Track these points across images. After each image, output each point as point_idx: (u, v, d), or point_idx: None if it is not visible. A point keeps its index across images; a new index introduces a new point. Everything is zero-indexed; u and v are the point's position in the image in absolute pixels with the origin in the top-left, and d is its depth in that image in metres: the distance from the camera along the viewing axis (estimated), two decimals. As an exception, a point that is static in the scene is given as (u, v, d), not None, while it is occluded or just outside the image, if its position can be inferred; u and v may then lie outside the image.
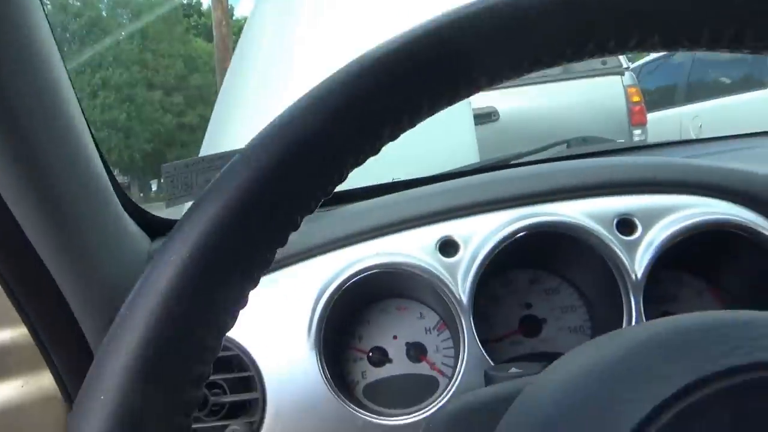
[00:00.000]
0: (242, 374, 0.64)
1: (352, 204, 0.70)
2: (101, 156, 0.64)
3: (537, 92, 4.43)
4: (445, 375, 0.71)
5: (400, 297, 0.75)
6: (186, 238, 0.26)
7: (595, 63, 4.51)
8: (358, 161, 0.29)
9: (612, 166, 0.67)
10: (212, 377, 0.66)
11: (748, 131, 1.04)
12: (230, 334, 0.60)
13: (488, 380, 0.54)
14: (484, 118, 4.37)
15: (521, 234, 0.62)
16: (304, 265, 0.65)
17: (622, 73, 4.44)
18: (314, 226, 0.68)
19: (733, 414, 0.23)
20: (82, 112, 0.61)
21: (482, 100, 4.39)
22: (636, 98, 4.39)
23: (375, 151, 0.29)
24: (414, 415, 0.61)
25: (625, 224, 0.63)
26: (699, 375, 0.24)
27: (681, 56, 5.77)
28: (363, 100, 0.27)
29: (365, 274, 0.63)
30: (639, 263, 0.61)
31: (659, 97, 5.80)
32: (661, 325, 0.28)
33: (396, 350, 0.73)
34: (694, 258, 0.70)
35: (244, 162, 0.27)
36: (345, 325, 0.73)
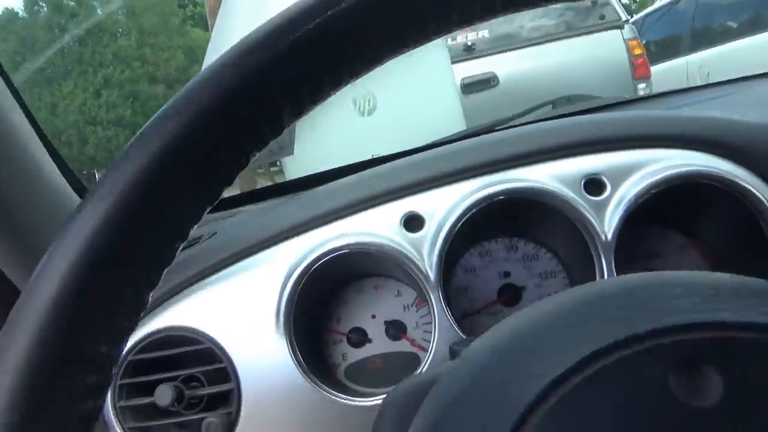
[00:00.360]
0: (216, 366, 0.63)
1: (316, 188, 0.68)
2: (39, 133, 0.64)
3: (536, 53, 4.35)
4: (426, 350, 0.70)
5: (377, 276, 0.74)
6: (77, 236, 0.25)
7: (594, 18, 4.41)
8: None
9: (578, 125, 0.64)
10: (188, 371, 0.66)
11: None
12: (200, 326, 0.60)
13: (452, 354, 0.53)
14: (483, 84, 4.31)
15: (485, 203, 0.61)
16: (269, 252, 0.64)
17: (621, 27, 4.33)
18: (278, 212, 0.67)
19: (627, 383, 0.22)
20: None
21: (480, 66, 4.33)
22: (638, 51, 4.30)
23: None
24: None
25: (594, 184, 0.61)
26: (594, 347, 0.22)
27: (684, 3, 5.61)
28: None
29: (330, 256, 0.62)
30: (608, 223, 0.59)
31: (664, 48, 5.66)
32: (566, 296, 0.26)
33: (375, 329, 0.72)
34: (674, 213, 0.68)
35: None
36: (322, 307, 0.73)
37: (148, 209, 0.25)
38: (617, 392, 0.21)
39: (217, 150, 0.26)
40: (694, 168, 0.58)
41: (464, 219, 0.61)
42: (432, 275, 0.61)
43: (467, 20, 0.27)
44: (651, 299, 0.24)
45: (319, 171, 1.03)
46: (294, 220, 0.65)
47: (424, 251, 0.61)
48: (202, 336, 0.63)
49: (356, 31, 0.26)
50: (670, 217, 0.69)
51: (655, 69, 4.52)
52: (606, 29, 4.21)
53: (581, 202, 0.59)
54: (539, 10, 4.51)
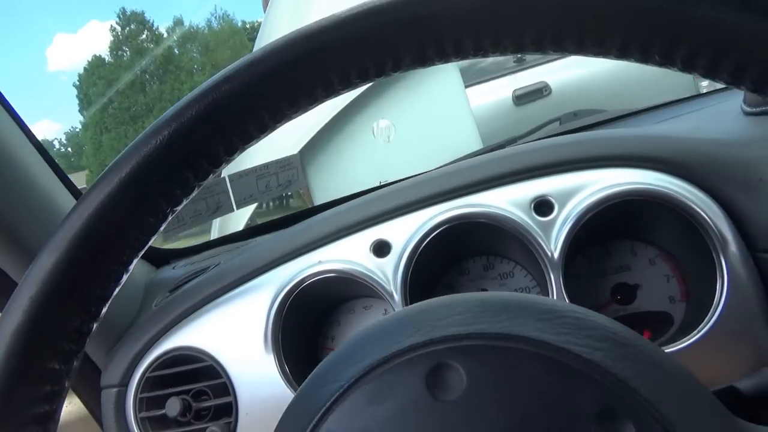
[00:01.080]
0: (217, 381, 0.72)
1: (296, 224, 0.77)
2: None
3: (588, 59, 4.26)
4: (410, 365, 0.76)
5: (364, 297, 0.81)
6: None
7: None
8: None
9: (529, 151, 0.69)
10: (196, 385, 0.76)
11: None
12: (204, 346, 0.69)
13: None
14: (535, 94, 4.28)
15: (442, 227, 0.66)
16: (259, 280, 0.73)
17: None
18: (267, 245, 0.76)
19: (392, 388, 0.28)
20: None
21: (531, 76, 4.30)
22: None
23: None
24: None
25: (543, 205, 0.65)
26: (376, 357, 0.29)
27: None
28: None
29: (309, 281, 0.70)
30: (554, 242, 0.63)
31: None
32: (384, 317, 0.33)
33: (365, 346, 0.78)
34: (637, 226, 0.71)
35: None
36: (316, 327, 0.80)
37: (85, 258, 0.34)
38: (385, 396, 0.28)
39: (136, 208, 0.34)
40: (632, 186, 0.62)
41: (425, 242, 0.67)
42: (397, 296, 0.67)
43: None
44: (434, 318, 0.30)
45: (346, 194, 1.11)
46: (279, 251, 0.73)
47: (389, 274, 0.68)
48: (205, 355, 0.72)
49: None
50: (638, 231, 0.72)
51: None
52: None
53: (529, 222, 0.64)
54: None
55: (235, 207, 0.97)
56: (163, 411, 0.72)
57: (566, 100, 4.03)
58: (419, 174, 0.78)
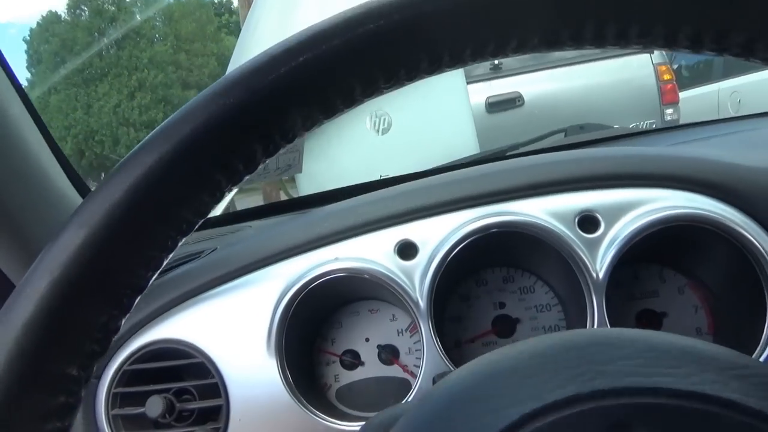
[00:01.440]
0: (207, 381, 0.65)
1: (313, 209, 0.70)
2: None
3: (562, 74, 4.32)
4: (417, 377, 0.71)
5: (372, 299, 0.74)
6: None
7: (624, 42, 4.35)
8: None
9: (575, 161, 0.64)
10: (181, 384, 0.68)
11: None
12: (194, 340, 0.61)
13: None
14: (508, 103, 4.29)
15: (478, 235, 0.61)
16: (265, 271, 0.66)
17: (651, 51, 4.28)
18: (276, 232, 0.68)
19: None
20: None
21: (506, 85, 4.31)
22: (667, 76, 4.24)
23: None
24: (376, 419, 0.61)
25: (588, 221, 0.61)
26: (532, 407, 0.23)
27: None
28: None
29: (323, 279, 0.63)
30: (600, 261, 0.59)
31: (695, 73, 5.59)
32: (526, 346, 0.27)
33: (368, 353, 0.72)
34: (672, 252, 0.68)
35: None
36: (316, 328, 0.74)
37: (122, 238, 0.27)
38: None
39: (190, 182, 0.27)
40: (689, 210, 0.58)
41: (457, 249, 0.61)
42: (422, 304, 0.61)
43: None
44: (598, 359, 0.24)
45: (329, 188, 1.04)
46: (291, 241, 0.66)
47: (416, 279, 0.62)
48: (195, 350, 0.64)
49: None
50: (668, 256, 0.69)
51: (685, 95, 4.46)
52: (635, 53, 4.16)
53: (574, 238, 0.60)
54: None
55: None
56: (140, 409, 0.64)
57: (537, 112, 4.07)
58: (445, 171, 0.72)
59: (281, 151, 0.32)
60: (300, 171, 0.95)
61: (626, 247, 0.59)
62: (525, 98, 4.33)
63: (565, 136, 1.18)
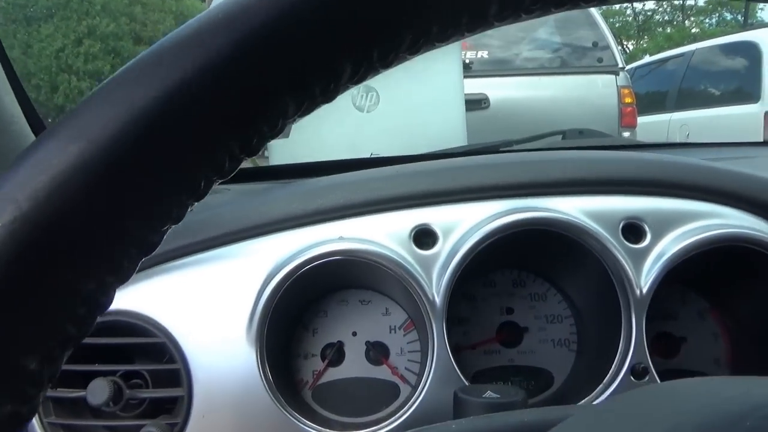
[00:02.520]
0: (167, 366, 0.53)
1: (316, 178, 0.59)
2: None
3: (529, 83, 4.35)
4: (408, 383, 0.62)
5: (364, 288, 0.65)
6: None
7: (591, 60, 4.44)
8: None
9: (620, 161, 0.57)
10: (133, 366, 0.56)
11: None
12: (156, 317, 0.50)
13: (457, 403, 0.45)
14: (474, 104, 4.27)
15: (512, 230, 0.53)
16: (253, 243, 0.55)
17: (617, 73, 4.37)
18: (269, 198, 0.58)
19: None
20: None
21: (473, 86, 4.29)
22: (628, 99, 4.34)
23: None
24: (367, 430, 0.52)
25: (632, 230, 0.54)
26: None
27: (674, 63, 5.74)
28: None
29: (323, 261, 0.53)
30: (645, 277, 0.52)
31: (649, 102, 5.77)
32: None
33: (354, 349, 0.63)
34: (701, 274, 0.62)
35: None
36: (297, 314, 0.64)
37: (146, 162, 0.17)
38: None
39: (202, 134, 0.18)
40: (746, 231, 0.52)
41: (485, 244, 0.53)
42: (438, 301, 0.53)
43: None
44: None
45: (307, 161, 0.94)
46: (286, 211, 0.56)
47: (434, 273, 0.53)
48: (156, 327, 0.53)
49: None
50: (697, 277, 0.63)
51: (638, 120, 4.58)
52: (601, 72, 4.23)
53: (618, 246, 0.52)
54: (538, 42, 4.54)
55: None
56: (80, 393, 0.52)
57: (501, 116, 4.07)
58: (439, 158, 0.63)
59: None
60: (287, 135, 0.84)
61: (674, 264, 0.52)
62: (491, 101, 4.33)
63: (563, 138, 1.12)
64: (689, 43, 6.14)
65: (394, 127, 1.32)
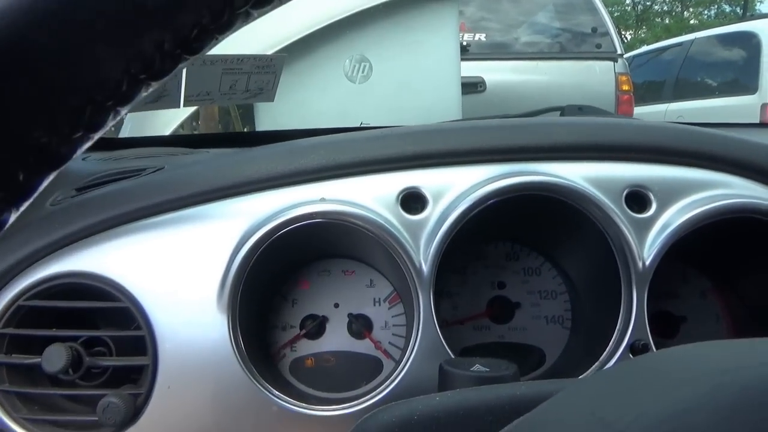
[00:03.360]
0: (132, 333, 0.50)
1: (296, 139, 0.55)
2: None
3: (527, 68, 4.31)
4: (392, 358, 0.59)
5: (348, 258, 0.61)
6: None
7: (589, 46, 4.40)
8: None
9: (625, 126, 0.53)
10: (97, 333, 0.52)
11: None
12: (120, 280, 0.46)
13: (443, 377, 0.41)
14: (470, 87, 4.22)
15: (507, 195, 0.49)
16: (228, 204, 0.51)
17: (615, 60, 4.33)
18: (244, 157, 0.54)
19: None
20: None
21: (470, 69, 4.24)
22: (626, 87, 4.30)
23: None
24: (345, 406, 0.49)
25: (636, 198, 0.50)
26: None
27: (671, 54, 5.70)
28: None
29: (302, 223, 0.49)
30: (648, 248, 0.48)
31: (645, 92, 5.73)
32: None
33: (336, 321, 0.60)
34: (704, 250, 0.58)
35: None
36: (275, 284, 0.60)
37: None
38: None
39: None
40: (761, 202, 0.48)
41: (477, 209, 0.49)
42: (426, 270, 0.49)
43: None
44: None
45: (295, 128, 0.90)
46: (263, 170, 0.51)
47: (422, 239, 0.49)
48: (119, 291, 0.49)
49: None
50: (698, 254, 0.60)
51: (635, 110, 4.55)
52: (599, 59, 4.19)
53: (621, 216, 0.49)
54: (537, 26, 4.51)
55: (181, 102, 0.72)
56: (35, 359, 0.48)
57: (497, 101, 4.03)
58: (462, 121, 0.59)
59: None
60: (272, 99, 0.79)
61: (679, 236, 0.48)
62: (487, 84, 4.28)
63: (561, 115, 1.08)
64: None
65: (387, 99, 1.27)
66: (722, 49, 5.21)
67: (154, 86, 0.17)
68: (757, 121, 4.30)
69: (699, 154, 0.51)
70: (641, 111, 5.25)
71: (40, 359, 0.48)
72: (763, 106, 4.41)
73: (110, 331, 0.51)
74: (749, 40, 4.73)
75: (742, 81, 4.68)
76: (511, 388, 0.31)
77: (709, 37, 5.29)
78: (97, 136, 0.17)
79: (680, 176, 0.51)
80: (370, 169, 0.52)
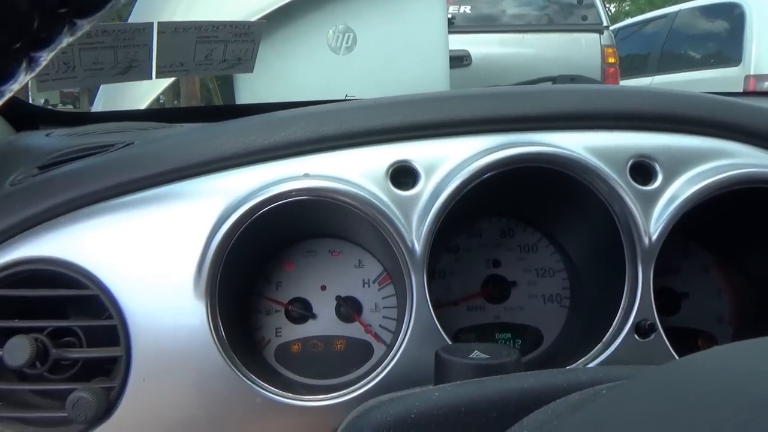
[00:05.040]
0: (103, 323, 0.46)
1: (275, 111, 0.51)
2: None
3: (512, 40, 4.27)
4: (382, 341, 0.56)
5: (335, 237, 0.58)
6: None
7: (576, 18, 4.36)
8: None
9: (628, 93, 0.50)
10: (64, 323, 0.49)
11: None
12: (87, 265, 0.42)
13: (439, 365, 0.38)
14: (455, 61, 4.16)
15: (504, 168, 0.46)
16: (204, 181, 0.47)
17: (601, 32, 4.29)
18: (221, 131, 0.50)
19: None
20: None
21: (455, 42, 4.18)
22: (612, 59, 4.27)
23: None
24: (335, 395, 0.46)
25: (642, 169, 0.47)
26: None
27: (657, 25, 5.67)
28: None
29: (284, 201, 0.46)
30: (655, 222, 0.46)
31: (630, 65, 5.70)
32: None
33: (323, 304, 0.56)
34: (708, 223, 0.56)
35: None
36: (257, 266, 0.56)
37: None
38: None
39: None
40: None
41: (473, 183, 0.46)
42: (418, 249, 0.45)
43: None
44: None
45: (277, 102, 0.85)
46: (241, 144, 0.47)
47: (414, 217, 0.46)
48: (88, 278, 0.45)
49: None
50: (700, 227, 0.57)
51: (620, 84, 4.52)
52: (585, 31, 4.15)
53: (626, 188, 0.46)
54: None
55: (153, 73, 0.68)
56: (-3, 353, 0.44)
57: (483, 75, 3.99)
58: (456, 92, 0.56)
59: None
60: (251, 70, 0.74)
61: (687, 209, 0.46)
62: (473, 58, 4.24)
63: (553, 84, 1.04)
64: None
65: (372, 70, 1.22)
66: (706, 21, 5.19)
67: (83, 25, 0.13)
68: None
69: (706, 121, 0.48)
70: (626, 83, 5.22)
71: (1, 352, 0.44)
72: (746, 77, 4.40)
73: (80, 320, 0.48)
74: (732, 11, 4.71)
75: (726, 53, 4.67)
76: (516, 380, 0.28)
77: (693, 9, 5.26)
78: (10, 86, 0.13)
79: (687, 145, 0.48)
80: (357, 142, 0.48)
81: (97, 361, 0.47)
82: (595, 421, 0.16)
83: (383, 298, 0.56)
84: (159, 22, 0.64)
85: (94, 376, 0.47)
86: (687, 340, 0.57)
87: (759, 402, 0.14)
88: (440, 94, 0.52)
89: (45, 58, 0.13)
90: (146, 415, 0.44)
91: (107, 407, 0.44)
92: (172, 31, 0.65)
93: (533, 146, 0.46)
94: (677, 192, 0.46)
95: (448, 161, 0.47)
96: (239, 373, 0.45)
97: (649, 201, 0.46)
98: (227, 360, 0.45)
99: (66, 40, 0.13)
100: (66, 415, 0.43)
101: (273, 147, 0.47)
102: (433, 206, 0.45)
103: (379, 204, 0.45)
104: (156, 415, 0.44)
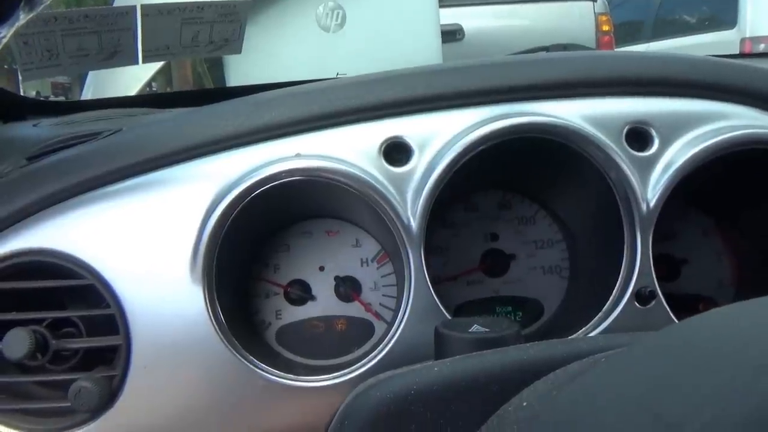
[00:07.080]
0: (102, 312, 0.46)
1: (265, 92, 0.50)
2: None
3: (505, 12, 4.21)
4: (383, 320, 0.56)
5: (331, 217, 0.57)
6: None
7: (569, -15, 4.29)
8: None
9: (621, 58, 0.49)
10: (63, 313, 0.48)
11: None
12: (81, 255, 0.41)
13: (439, 340, 0.38)
14: (448, 36, 4.11)
15: (499, 139, 0.45)
16: (192, 166, 0.47)
17: (594, 0, 4.23)
18: (211, 113, 0.49)
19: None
20: None
21: (447, 16, 4.13)
22: (606, 27, 4.22)
23: None
24: (337, 375, 0.46)
25: (638, 136, 0.46)
26: None
27: (650, -8, 5.60)
28: None
29: (278, 182, 0.45)
30: (652, 189, 0.45)
31: (625, 32, 5.64)
32: None
33: (322, 285, 0.56)
34: (707, 187, 0.55)
35: None
36: (253, 250, 0.56)
37: None
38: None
39: None
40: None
41: (468, 157, 0.45)
42: (414, 225, 0.45)
43: None
44: None
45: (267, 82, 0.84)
46: (231, 127, 0.47)
47: (409, 193, 0.45)
48: (83, 267, 0.45)
49: None
50: (697, 190, 0.57)
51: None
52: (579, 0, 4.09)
53: (622, 155, 0.45)
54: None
55: (140, 58, 0.67)
56: (-5, 346, 0.44)
57: (477, 49, 3.94)
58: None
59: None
60: (239, 51, 0.73)
61: (684, 174, 0.45)
62: (465, 32, 4.19)
63: (547, 52, 1.03)
64: (666, -32, 5.97)
65: (363, 48, 1.21)
66: (702, -17, 5.13)
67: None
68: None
69: (702, 83, 0.48)
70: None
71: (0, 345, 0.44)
72: (742, 39, 4.36)
73: (78, 310, 0.48)
74: (726, -27, 4.65)
75: (721, 16, 4.62)
76: (516, 353, 0.28)
77: (687, -28, 5.19)
78: None
79: (682, 109, 0.47)
80: (348, 120, 0.47)
81: (98, 350, 0.47)
82: (594, 388, 0.15)
83: (382, 277, 0.56)
84: (142, 5, 0.63)
85: (95, 365, 0.47)
86: (688, 306, 0.57)
87: (759, 365, 0.14)
88: (430, 67, 0.51)
89: (5, 35, 0.13)
90: (149, 401, 0.44)
91: (110, 396, 0.44)
92: (156, 13, 0.64)
93: (527, 116, 0.46)
94: (674, 157, 0.45)
95: (442, 135, 0.46)
96: (240, 357, 0.45)
97: (646, 167, 0.45)
98: (227, 344, 0.45)
99: (24, 16, 0.12)
100: (69, 404, 0.43)
101: (263, 128, 0.47)
102: (427, 182, 0.45)
103: (373, 181, 0.45)
104: (159, 402, 0.44)
